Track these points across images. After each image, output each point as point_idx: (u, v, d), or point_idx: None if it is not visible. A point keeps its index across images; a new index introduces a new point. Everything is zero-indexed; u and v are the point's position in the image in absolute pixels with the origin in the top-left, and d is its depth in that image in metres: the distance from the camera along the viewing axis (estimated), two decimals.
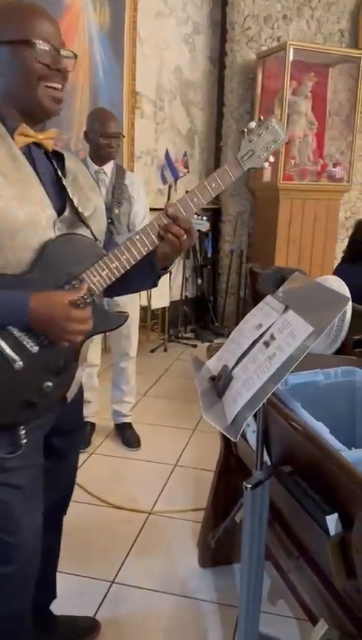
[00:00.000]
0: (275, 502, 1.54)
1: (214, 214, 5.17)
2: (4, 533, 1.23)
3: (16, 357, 1.11)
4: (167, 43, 4.57)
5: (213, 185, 1.24)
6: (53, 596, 1.63)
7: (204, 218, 3.34)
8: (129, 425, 3.00)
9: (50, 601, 1.62)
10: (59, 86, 1.13)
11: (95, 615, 1.77)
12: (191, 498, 2.44)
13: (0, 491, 1.20)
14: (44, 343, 1.14)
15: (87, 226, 1.22)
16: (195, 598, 1.86)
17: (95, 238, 1.23)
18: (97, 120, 2.64)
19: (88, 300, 1.13)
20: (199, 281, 5.17)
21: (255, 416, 1.34)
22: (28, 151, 1.16)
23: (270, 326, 1.27)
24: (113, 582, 1.92)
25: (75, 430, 1.47)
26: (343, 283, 2.18)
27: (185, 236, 1.21)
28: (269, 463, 1.49)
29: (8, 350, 1.11)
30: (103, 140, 2.61)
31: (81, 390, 1.41)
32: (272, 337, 1.24)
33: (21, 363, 1.12)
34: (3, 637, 1.33)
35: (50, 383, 1.17)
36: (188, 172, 4.76)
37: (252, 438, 1.68)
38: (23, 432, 1.17)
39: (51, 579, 1.60)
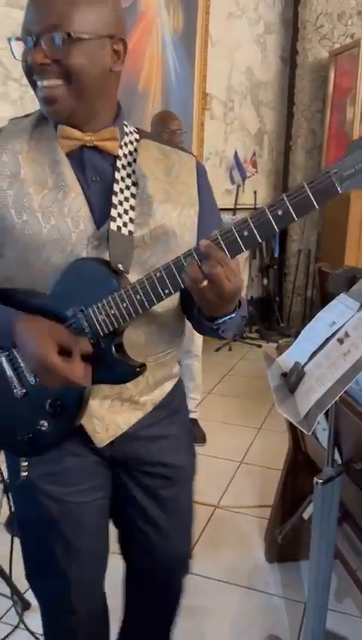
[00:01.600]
0: (345, 501, 1.54)
1: None
2: (45, 577, 1.14)
3: (17, 382, 1.02)
4: (239, 44, 4.60)
5: (280, 212, 0.81)
6: None
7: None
8: (195, 421, 3.06)
9: None
10: (44, 83, 0.93)
11: None
12: (256, 495, 2.47)
13: (33, 522, 1.12)
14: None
15: (117, 249, 0.97)
16: (262, 592, 1.89)
17: (115, 268, 0.96)
18: (159, 118, 2.81)
19: (92, 341, 0.96)
20: (265, 281, 5.16)
21: (325, 414, 1.36)
22: (79, 155, 1.01)
23: (344, 324, 1.28)
24: None
25: (171, 472, 1.19)
26: None
27: (206, 282, 0.84)
28: (340, 462, 1.50)
29: (10, 371, 1.02)
30: (166, 136, 2.71)
31: (165, 437, 1.18)
32: (347, 335, 1.25)
33: (22, 391, 1.02)
34: None
35: (45, 423, 1.03)
36: (256, 172, 4.77)
37: (322, 436, 1.69)
38: (24, 464, 1.07)
39: None
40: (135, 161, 1.03)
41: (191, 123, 4.25)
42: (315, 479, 1.31)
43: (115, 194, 0.99)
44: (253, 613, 1.81)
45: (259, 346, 4.75)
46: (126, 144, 1.03)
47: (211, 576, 1.96)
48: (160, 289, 0.91)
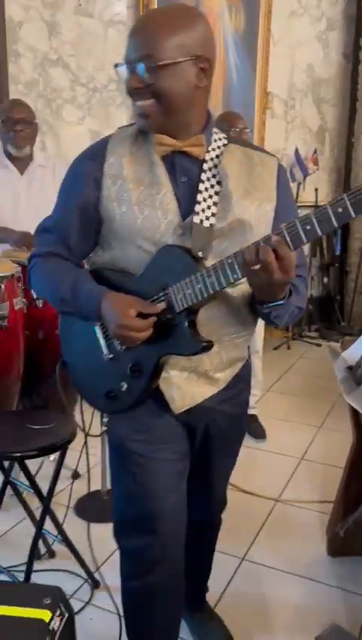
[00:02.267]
0: None
1: None
2: (133, 506, 1.28)
3: (105, 348, 1.22)
4: (300, 42, 4.59)
5: (340, 209, 0.91)
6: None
7: None
8: (255, 417, 3.09)
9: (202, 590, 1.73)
10: (139, 103, 1.11)
11: (225, 589, 1.89)
12: (317, 491, 2.48)
13: (125, 469, 1.27)
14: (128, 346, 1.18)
15: (198, 238, 1.13)
16: (323, 583, 1.92)
17: (195, 254, 1.11)
18: (223, 118, 2.84)
19: (168, 316, 1.12)
20: (325, 279, 5.12)
21: None
22: (171, 159, 1.17)
23: None
24: (243, 559, 2.03)
25: (215, 455, 1.41)
26: None
27: (259, 266, 0.99)
28: None
29: (101, 338, 1.23)
30: (234, 135, 2.74)
31: (229, 412, 1.34)
32: None
33: (109, 355, 1.22)
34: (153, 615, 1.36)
35: (125, 384, 1.21)
36: (317, 169, 4.74)
37: None
38: (105, 419, 1.28)
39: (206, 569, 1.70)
40: (220, 163, 1.18)
41: (253, 122, 4.28)
42: None
43: (200, 192, 1.15)
44: (314, 602, 1.84)
45: (319, 345, 4.72)
46: (214, 149, 1.19)
47: (272, 565, 2.00)
48: (229, 273, 1.04)
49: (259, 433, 3.01)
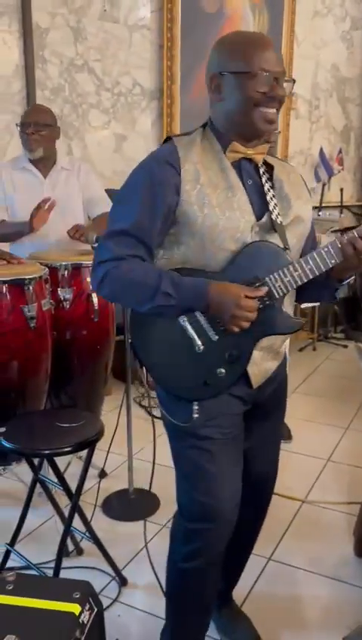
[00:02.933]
0: None
1: None
2: (202, 494, 1.37)
3: (198, 340, 1.28)
4: (324, 41, 4.57)
5: None
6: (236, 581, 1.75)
7: None
8: None
9: (233, 586, 1.75)
10: (273, 110, 1.26)
11: (251, 588, 1.89)
12: (344, 492, 2.46)
13: (194, 454, 1.36)
14: (224, 334, 1.29)
15: (281, 234, 1.30)
16: (351, 584, 1.90)
17: (285, 246, 1.30)
18: None
19: (267, 302, 1.27)
20: (351, 280, 5.06)
21: None
22: (238, 164, 1.31)
23: None
24: (270, 559, 2.03)
25: (274, 413, 1.56)
26: None
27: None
28: None
29: (192, 332, 1.28)
30: None
31: (281, 377, 1.51)
32: None
33: (202, 347, 1.29)
34: (192, 592, 1.47)
35: (223, 370, 1.31)
36: (342, 169, 4.71)
37: None
38: (196, 407, 1.32)
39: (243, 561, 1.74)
40: (270, 169, 1.36)
41: (277, 123, 4.27)
42: None
43: (266, 193, 1.32)
44: (341, 603, 1.83)
45: (345, 347, 4.67)
46: None
47: (298, 565, 2.00)
48: (327, 260, 1.26)
49: (285, 434, 3.00)
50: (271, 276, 1.26)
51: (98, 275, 1.28)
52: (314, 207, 4.49)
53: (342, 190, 4.71)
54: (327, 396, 3.62)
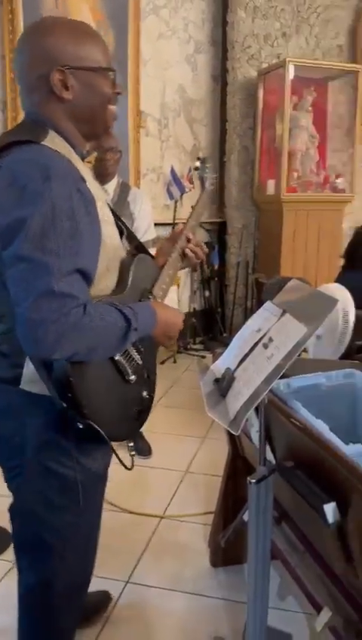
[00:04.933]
0: (281, 501, 1.61)
1: (220, 227, 5.27)
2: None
3: (130, 369, 1.20)
4: (170, 63, 4.72)
5: (201, 211, 1.58)
6: None
7: None
8: (140, 434, 3.08)
9: None
10: (115, 107, 1.23)
11: (110, 614, 1.84)
12: (202, 502, 2.51)
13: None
14: (142, 351, 1.24)
15: (135, 241, 1.34)
16: (207, 596, 1.93)
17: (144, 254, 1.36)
18: None
19: None
20: (207, 293, 5.26)
21: (258, 415, 1.42)
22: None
23: (269, 329, 1.35)
24: (128, 582, 1.99)
25: None
26: (346, 290, 2.26)
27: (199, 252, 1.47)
28: (274, 462, 1.56)
29: (124, 363, 1.19)
30: (98, 154, 2.65)
31: None
32: (270, 339, 1.32)
33: (133, 376, 1.21)
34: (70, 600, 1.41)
35: (145, 392, 1.28)
36: (193, 187, 4.87)
37: (256, 438, 1.75)
38: (131, 444, 1.33)
39: None
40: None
41: (127, 140, 4.32)
42: (248, 479, 1.36)
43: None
44: (198, 617, 1.84)
45: (203, 357, 4.82)
46: None
47: (157, 585, 1.98)
48: (178, 264, 1.44)
49: (145, 450, 3.00)
50: (156, 286, 1.32)
51: (51, 331, 0.98)
52: (168, 224, 4.63)
53: (193, 208, 4.86)
54: (187, 407, 3.69)
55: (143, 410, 1.28)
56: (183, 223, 1.50)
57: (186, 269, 4.96)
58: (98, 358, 1.10)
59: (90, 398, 1.10)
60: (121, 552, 2.13)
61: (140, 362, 1.24)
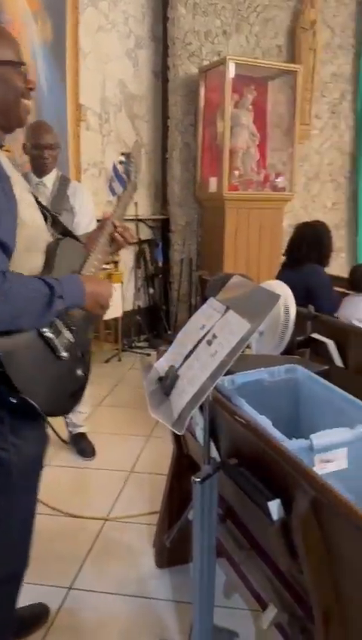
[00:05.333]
0: (226, 499, 1.59)
1: (163, 224, 5.25)
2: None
3: (60, 346, 1.23)
4: (110, 57, 4.64)
5: (127, 201, 1.64)
6: None
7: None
8: (83, 435, 3.01)
9: None
10: (29, 100, 1.28)
11: (53, 622, 1.78)
12: (147, 502, 2.47)
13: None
14: (74, 330, 1.26)
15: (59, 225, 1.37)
16: (152, 598, 1.89)
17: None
18: (30, 132, 2.63)
19: None
20: (151, 290, 5.22)
21: (203, 413, 1.40)
22: None
23: (212, 326, 1.33)
24: (70, 588, 1.93)
25: None
26: (286, 287, 2.28)
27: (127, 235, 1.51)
28: (219, 460, 1.55)
29: (55, 341, 1.21)
30: (36, 151, 2.61)
31: None
32: (214, 336, 1.30)
33: (66, 353, 1.23)
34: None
35: (79, 370, 1.29)
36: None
37: (201, 436, 1.73)
38: (67, 420, 1.31)
39: None
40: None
41: (67, 134, 4.22)
42: (193, 478, 1.34)
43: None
44: (143, 620, 1.80)
45: (148, 355, 4.78)
46: None
47: (100, 589, 1.93)
48: (106, 249, 1.45)
49: (89, 451, 2.93)
50: (85, 267, 1.33)
51: None
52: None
53: (136, 204, 4.82)
54: (132, 406, 3.64)
55: (78, 388, 1.31)
56: (111, 212, 1.56)
57: (130, 267, 4.97)
58: (24, 326, 1.16)
59: (20, 372, 1.15)
60: (64, 558, 2.07)
61: (72, 340, 1.26)
